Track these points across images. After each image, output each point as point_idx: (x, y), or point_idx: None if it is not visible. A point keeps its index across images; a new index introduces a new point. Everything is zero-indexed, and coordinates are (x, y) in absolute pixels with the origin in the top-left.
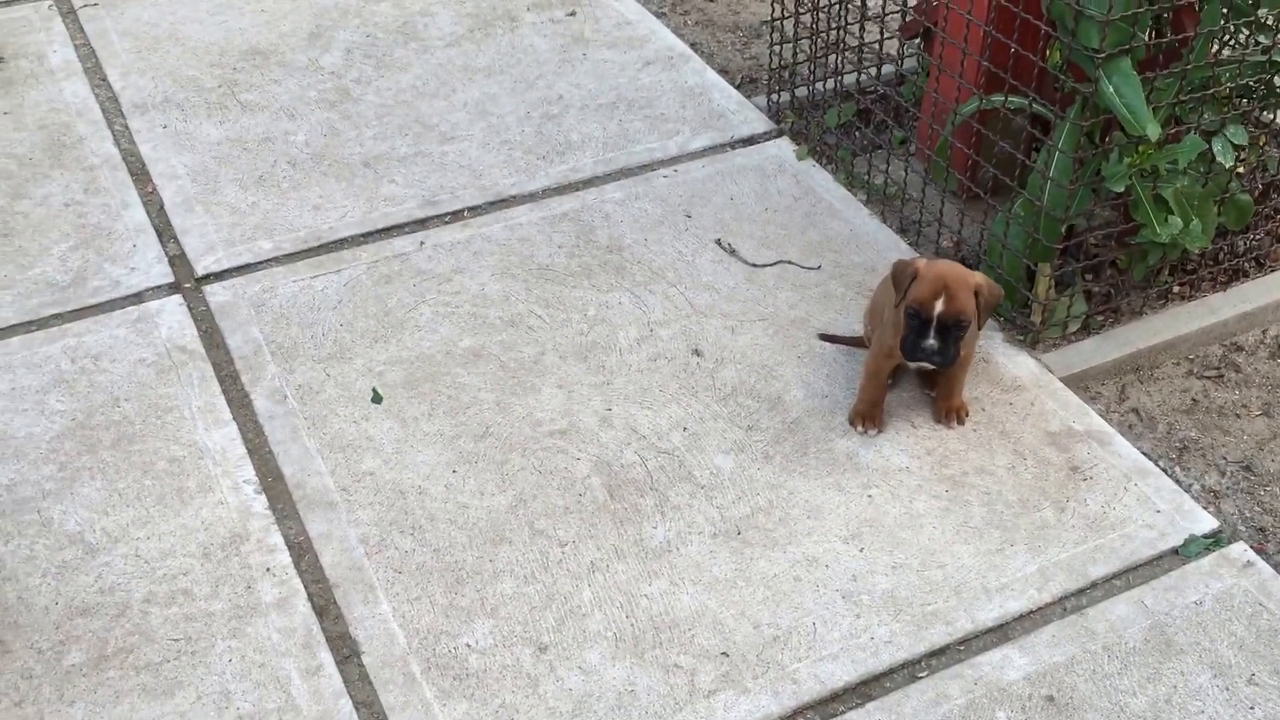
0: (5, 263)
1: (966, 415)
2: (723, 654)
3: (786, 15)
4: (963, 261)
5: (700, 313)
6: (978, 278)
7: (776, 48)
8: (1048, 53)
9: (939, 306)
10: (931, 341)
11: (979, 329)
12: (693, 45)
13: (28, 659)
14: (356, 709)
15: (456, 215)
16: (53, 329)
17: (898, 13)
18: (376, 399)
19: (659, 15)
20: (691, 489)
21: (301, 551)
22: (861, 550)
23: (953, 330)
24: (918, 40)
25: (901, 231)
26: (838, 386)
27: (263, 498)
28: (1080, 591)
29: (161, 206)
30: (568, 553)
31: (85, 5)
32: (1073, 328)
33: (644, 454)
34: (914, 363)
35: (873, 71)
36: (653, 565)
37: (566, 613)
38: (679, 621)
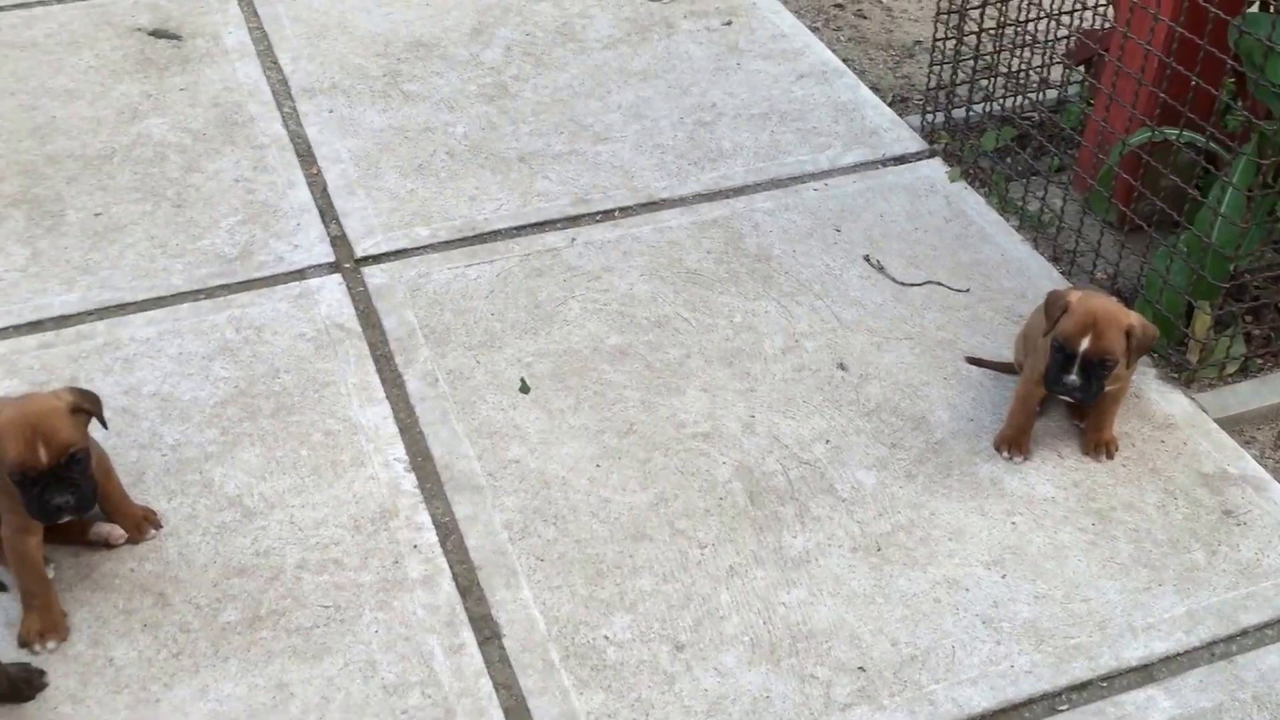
0: (178, 232)
1: (1116, 449)
2: (859, 668)
3: (949, 37)
4: (1119, 295)
5: (846, 327)
6: (1132, 318)
7: (936, 68)
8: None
9: (1085, 344)
10: (1074, 377)
11: (1130, 368)
12: (845, 61)
13: (186, 613)
14: (496, 690)
15: (607, 214)
16: (219, 299)
17: (1063, 39)
18: (524, 389)
19: (813, 29)
20: (832, 501)
21: (448, 531)
22: (1003, 577)
23: (1097, 368)
24: (1084, 67)
25: (1054, 260)
26: (984, 410)
27: (412, 476)
28: (1230, 638)
29: (325, 188)
30: (707, 554)
31: None
32: (1230, 369)
33: (785, 463)
34: (1057, 395)
35: (1033, 96)
36: (791, 574)
37: (704, 614)
38: (816, 632)
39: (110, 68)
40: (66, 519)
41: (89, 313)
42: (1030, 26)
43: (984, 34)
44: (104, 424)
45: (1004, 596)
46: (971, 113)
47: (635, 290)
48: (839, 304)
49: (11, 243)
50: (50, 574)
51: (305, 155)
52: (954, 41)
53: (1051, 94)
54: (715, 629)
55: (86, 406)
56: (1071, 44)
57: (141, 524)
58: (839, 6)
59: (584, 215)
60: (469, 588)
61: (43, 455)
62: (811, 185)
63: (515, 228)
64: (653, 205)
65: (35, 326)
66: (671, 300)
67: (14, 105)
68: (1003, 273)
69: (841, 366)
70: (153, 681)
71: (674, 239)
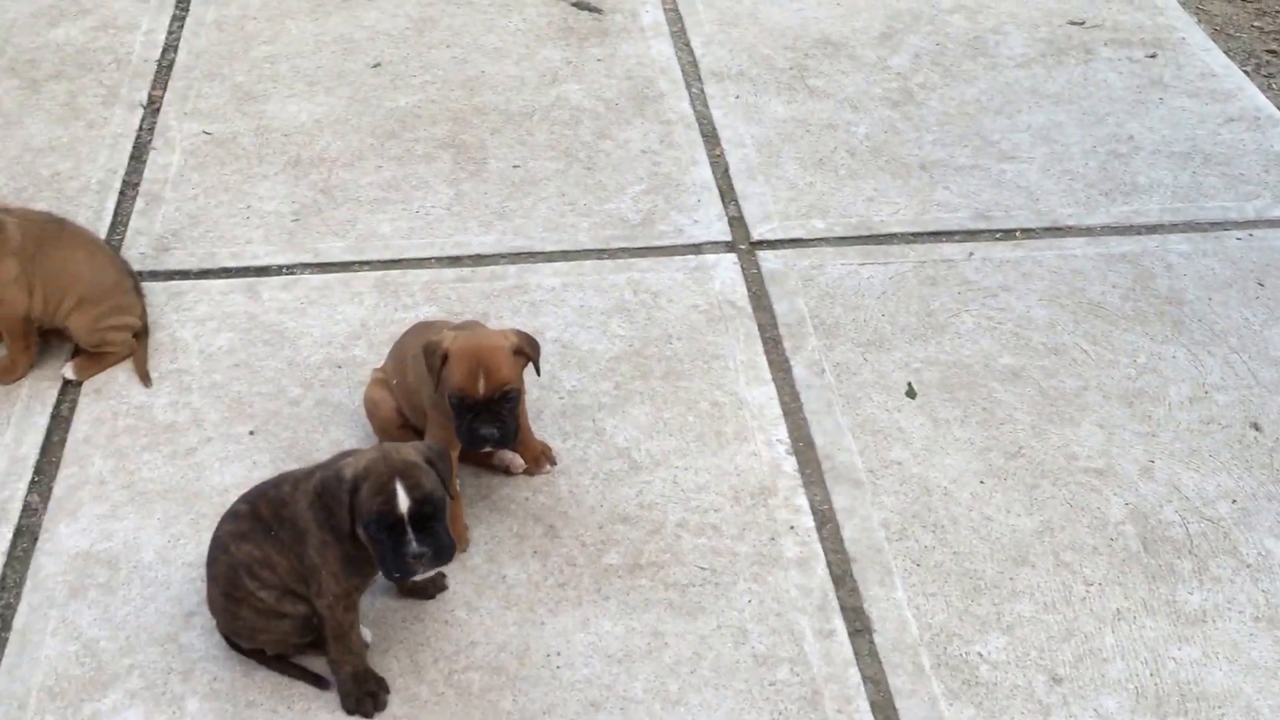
0: (586, 194)
1: (552, 455)
2: None
3: None
4: None
5: (1264, 387)
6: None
7: None
8: None
9: (481, 387)
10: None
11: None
12: None
13: (573, 548)
14: (864, 682)
15: (1008, 234)
16: (620, 260)
17: None
18: (911, 394)
19: (1246, 72)
20: (1235, 565)
21: (824, 519)
22: None
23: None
24: None
25: None
26: None
27: (793, 460)
28: None
29: (726, 170)
30: (1092, 592)
31: None
32: None
33: (1185, 515)
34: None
35: None
36: (1184, 630)
37: (1085, 651)
38: (1208, 695)
39: (536, 32)
40: (487, 449)
41: (502, 255)
42: None
43: None
44: (538, 371)
45: None
46: None
47: (1033, 313)
48: (1257, 361)
49: (439, 182)
50: (457, 487)
51: (710, 136)
52: None
53: None
54: (1097, 669)
55: (527, 351)
56: None
57: (540, 458)
58: (1272, 53)
59: (983, 231)
60: (842, 577)
61: (481, 387)
62: (1235, 234)
63: (912, 234)
64: (1057, 231)
65: (455, 261)
66: (1070, 329)
67: (449, 57)
68: None
69: (1256, 427)
70: (539, 604)
71: (1078, 268)
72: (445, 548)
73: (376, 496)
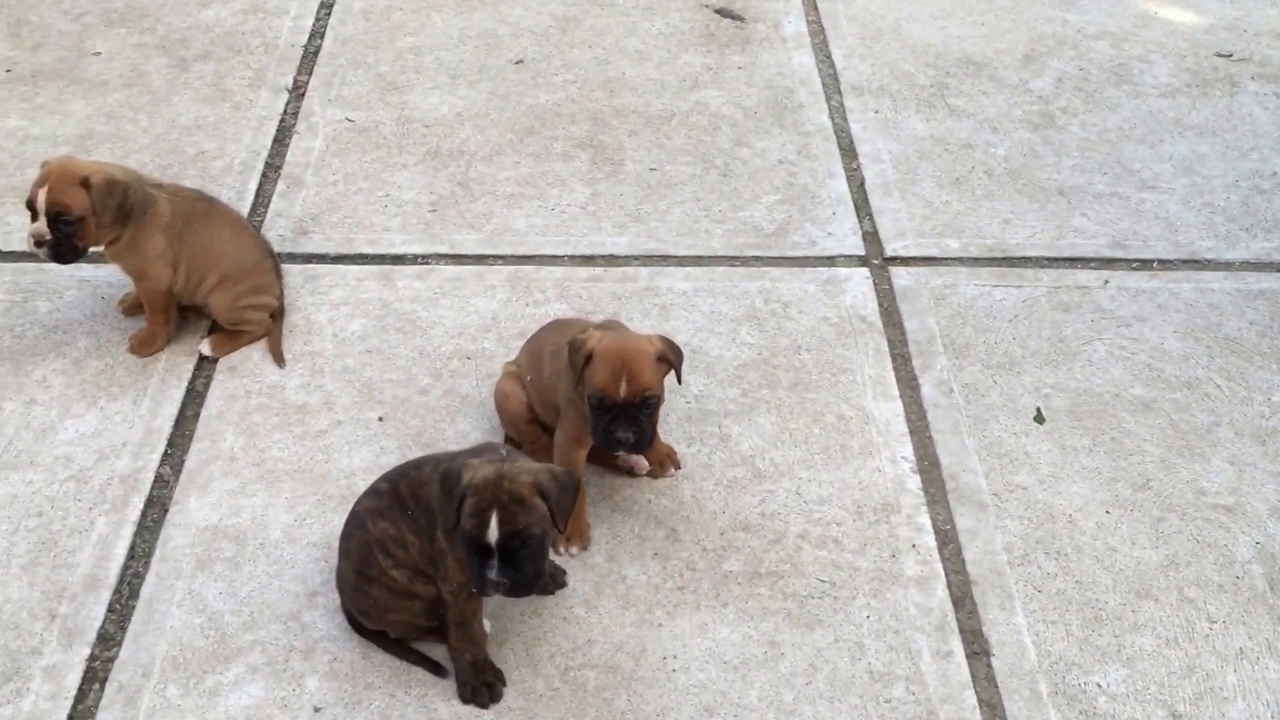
0: (721, 200)
1: (677, 459)
2: None
3: None
4: None
5: None
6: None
7: None
8: None
9: (623, 390)
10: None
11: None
12: None
13: (693, 552)
14: (980, 706)
15: (1145, 264)
16: (752, 268)
17: None
18: (1039, 419)
19: None
20: None
21: (946, 539)
22: None
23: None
24: None
25: None
26: None
27: (917, 478)
28: None
29: (862, 184)
30: (1216, 630)
31: None
32: None
33: None
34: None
35: None
36: None
37: (1206, 690)
38: None
39: (678, 37)
40: (620, 452)
41: (635, 257)
42: None
43: None
44: (679, 379)
45: None
46: None
47: (1167, 346)
48: None
49: (576, 180)
50: (583, 484)
51: (847, 149)
52: None
53: None
54: (1217, 709)
55: (671, 358)
56: None
57: (665, 461)
58: None
59: (1120, 260)
60: (962, 599)
61: (623, 390)
62: None
63: (1047, 258)
64: (1195, 264)
65: (587, 260)
66: (1205, 364)
67: (590, 57)
68: None
69: None
70: (658, 606)
71: (1215, 302)
72: (526, 581)
73: (472, 519)
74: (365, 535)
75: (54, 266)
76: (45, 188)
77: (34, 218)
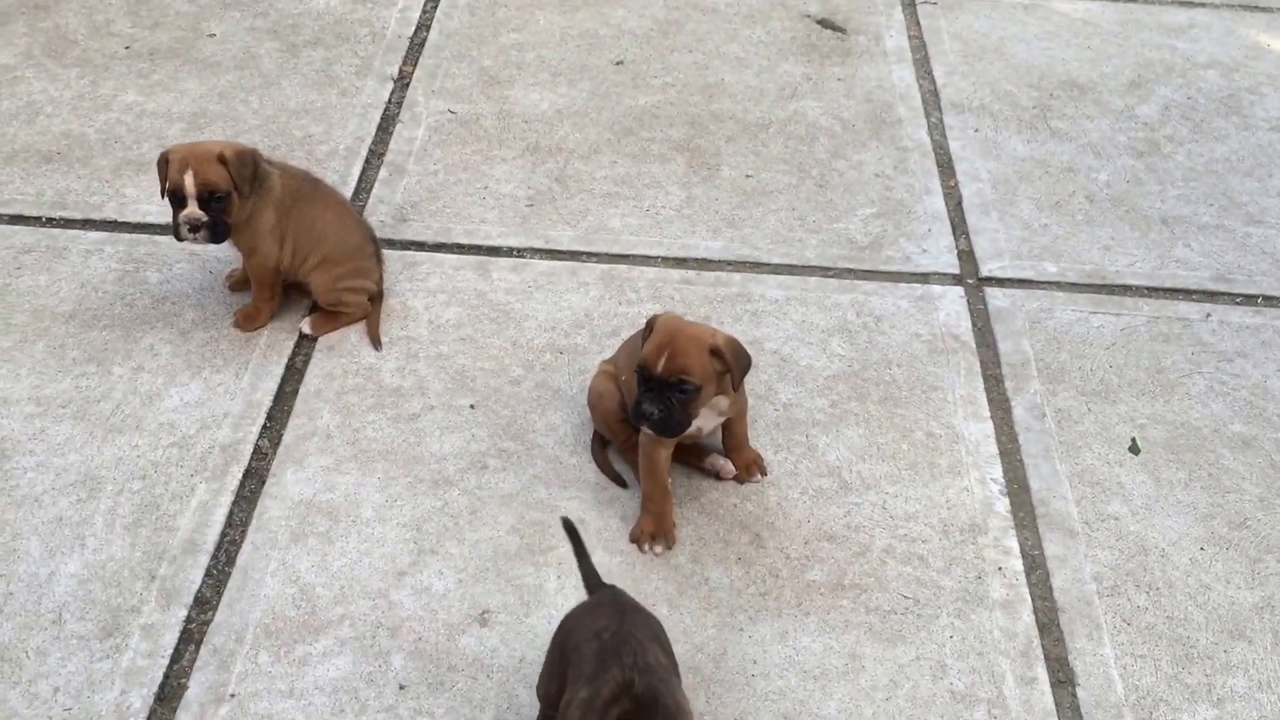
0: (816, 210)
1: (764, 466)
2: None
3: None
4: None
5: None
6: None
7: None
8: None
9: (661, 363)
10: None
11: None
12: None
13: (777, 559)
14: None
15: (1249, 299)
16: (845, 281)
17: None
18: (1134, 449)
19: None
20: None
21: (1034, 565)
22: None
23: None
24: None
25: None
26: None
27: (1005, 501)
28: None
29: (959, 202)
30: None
31: (925, 2)
32: None
33: None
34: (639, 426)
35: None
36: None
37: None
38: None
39: (778, 45)
40: (647, 427)
41: (728, 262)
42: None
43: None
44: (734, 385)
45: None
46: None
47: (1270, 384)
48: None
49: (672, 183)
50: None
51: (945, 166)
52: None
53: None
54: None
55: (726, 356)
56: None
57: (751, 467)
58: None
59: (1223, 293)
60: (1048, 626)
61: (660, 364)
62: None
63: (1147, 288)
64: None
65: (680, 263)
66: None
67: (690, 62)
68: None
69: None
70: (740, 611)
71: None
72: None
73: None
74: None
75: (166, 238)
76: (190, 171)
77: (181, 205)
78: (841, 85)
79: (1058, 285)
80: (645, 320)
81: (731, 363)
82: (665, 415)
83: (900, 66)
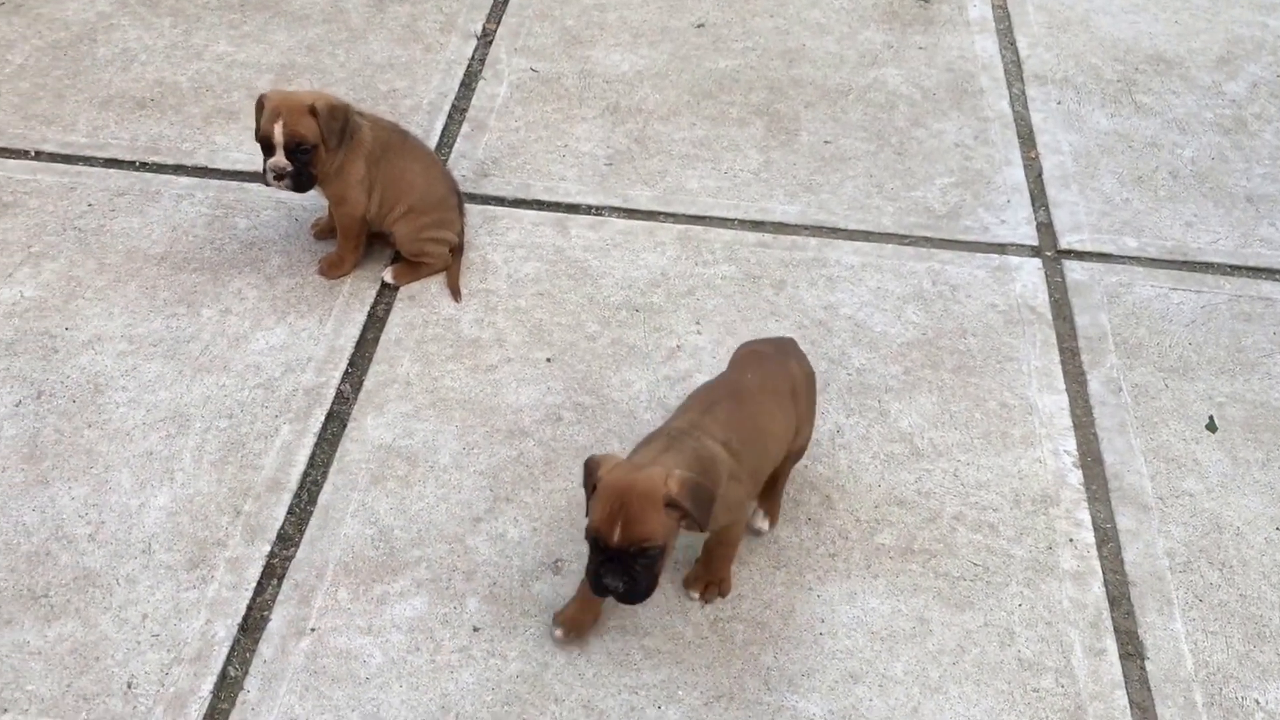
0: (894, 178)
1: (727, 590)
2: None
3: None
4: None
5: None
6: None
7: None
8: None
9: (616, 535)
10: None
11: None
12: None
13: (847, 522)
14: (1131, 708)
15: None
16: (921, 249)
17: None
18: (1211, 427)
19: None
20: None
21: (1105, 538)
22: None
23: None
24: None
25: None
26: None
27: (1078, 473)
28: None
29: (1039, 174)
30: None
31: None
32: None
33: None
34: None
35: None
36: None
37: None
38: None
39: (860, 12)
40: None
41: (804, 227)
42: None
43: None
44: (700, 527)
45: None
46: None
47: None
48: None
49: (750, 147)
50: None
51: (1025, 138)
52: None
53: None
54: None
55: (684, 505)
56: None
57: (710, 587)
58: None
59: None
60: (1119, 599)
61: (615, 536)
62: None
63: (1229, 266)
64: None
65: (757, 226)
66: None
67: (771, 27)
68: None
69: None
70: (808, 570)
71: None
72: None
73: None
74: None
75: (254, 185)
76: (280, 121)
77: (270, 152)
78: (923, 54)
79: (1137, 260)
80: (583, 462)
81: (692, 510)
82: (631, 586)
83: (983, 36)
